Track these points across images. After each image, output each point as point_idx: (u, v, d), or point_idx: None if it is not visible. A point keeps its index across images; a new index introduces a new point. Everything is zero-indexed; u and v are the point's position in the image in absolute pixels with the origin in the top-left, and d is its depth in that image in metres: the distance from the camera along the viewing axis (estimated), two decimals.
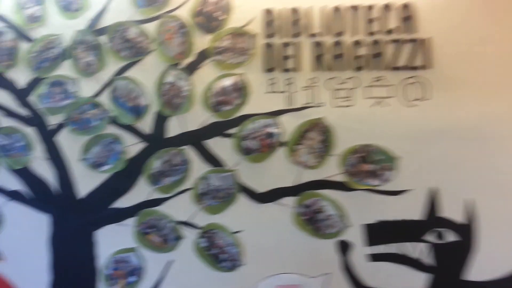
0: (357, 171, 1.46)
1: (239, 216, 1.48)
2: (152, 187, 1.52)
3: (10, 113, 1.60)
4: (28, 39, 1.61)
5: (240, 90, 1.51)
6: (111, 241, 1.53)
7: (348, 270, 1.46)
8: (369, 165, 1.46)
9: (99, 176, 1.55)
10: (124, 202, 1.53)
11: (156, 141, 1.53)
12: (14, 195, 1.58)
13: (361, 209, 1.46)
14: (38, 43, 1.60)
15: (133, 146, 1.54)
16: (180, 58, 1.54)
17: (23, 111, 1.60)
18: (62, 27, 1.59)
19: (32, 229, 1.56)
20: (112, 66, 1.57)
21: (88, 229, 1.54)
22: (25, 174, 1.58)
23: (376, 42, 1.50)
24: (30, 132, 1.59)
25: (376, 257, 1.45)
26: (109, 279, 1.52)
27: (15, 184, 1.58)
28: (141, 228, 1.52)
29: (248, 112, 1.51)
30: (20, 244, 1.57)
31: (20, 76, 1.61)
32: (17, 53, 1.61)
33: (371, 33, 1.51)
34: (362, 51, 1.51)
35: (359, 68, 1.50)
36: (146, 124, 1.54)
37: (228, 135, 1.51)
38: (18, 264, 1.57)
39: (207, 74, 1.53)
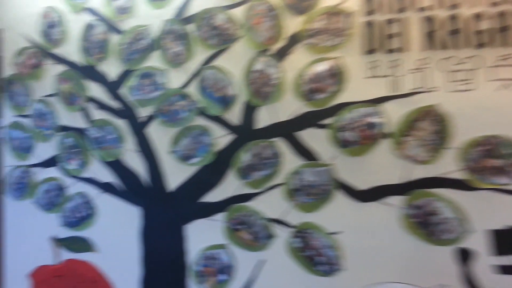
0: (480, 167, 1.24)
1: (337, 216, 1.34)
2: (241, 182, 1.44)
3: (102, 106, 1.62)
4: (118, 31, 1.61)
5: (337, 76, 1.36)
6: (201, 236, 1.47)
7: (470, 283, 1.25)
8: (496, 160, 1.23)
9: (188, 169, 1.50)
10: (213, 196, 1.47)
11: (245, 132, 1.44)
12: (106, 187, 1.60)
13: (486, 212, 1.23)
14: (127, 34, 1.59)
15: (221, 138, 1.47)
16: (270, 43, 1.43)
17: (114, 104, 1.60)
18: (150, 18, 1.56)
19: (124, 222, 1.57)
20: (200, 55, 1.50)
21: (178, 223, 1.50)
22: (117, 166, 1.59)
23: (501, 14, 1.26)
24: (122, 124, 1.59)
25: (505, 269, 1.23)
26: (199, 275, 1.47)
27: (107, 176, 1.60)
28: (230, 224, 1.44)
29: (345, 100, 1.35)
30: (113, 236, 1.58)
31: (111, 68, 1.61)
32: (107, 46, 1.62)
33: (495, 4, 1.27)
34: (484, 25, 1.27)
35: (481, 45, 1.27)
36: (234, 115, 1.46)
37: (323, 126, 1.37)
38: (110, 256, 1.58)
39: (299, 59, 1.40)
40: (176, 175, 1.52)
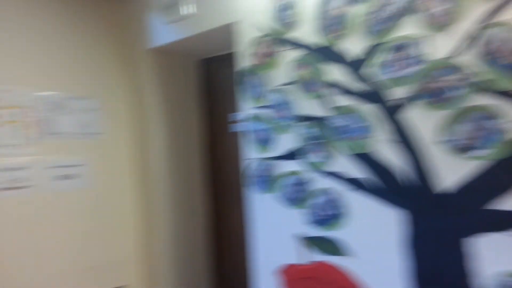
0: None
1: None
2: None
3: (346, 90, 1.41)
4: (359, 0, 1.35)
5: None
6: (495, 256, 1.09)
7: None
8: None
9: (465, 164, 1.14)
10: (509, 202, 1.07)
11: None
12: (357, 184, 1.38)
13: None
14: (371, 2, 1.32)
15: None
16: None
17: (360, 86, 1.37)
18: None
19: (381, 226, 1.32)
20: (477, 9, 1.10)
21: (456, 234, 1.17)
22: (367, 159, 1.36)
23: None
24: (371, 110, 1.34)
25: None
26: None
27: (357, 171, 1.38)
28: None
29: None
30: (368, 241, 1.36)
31: (354, 45, 1.38)
32: (347, 20, 1.38)
33: None
34: None
35: None
36: None
37: None
38: (366, 264, 1.37)
39: None
40: (448, 171, 1.17)
